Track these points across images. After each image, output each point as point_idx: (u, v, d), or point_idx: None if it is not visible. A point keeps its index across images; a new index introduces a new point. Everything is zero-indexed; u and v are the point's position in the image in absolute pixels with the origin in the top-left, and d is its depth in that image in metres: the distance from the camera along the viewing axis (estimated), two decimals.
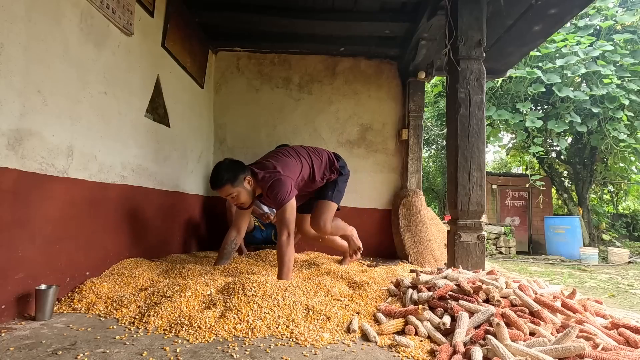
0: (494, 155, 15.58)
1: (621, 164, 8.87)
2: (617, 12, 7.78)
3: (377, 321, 1.60)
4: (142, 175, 2.50)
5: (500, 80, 7.93)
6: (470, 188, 2.39)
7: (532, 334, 1.34)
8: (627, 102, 7.25)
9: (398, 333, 1.48)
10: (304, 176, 2.41)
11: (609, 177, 9.95)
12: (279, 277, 2.03)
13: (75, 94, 1.85)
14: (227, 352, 1.28)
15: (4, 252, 1.47)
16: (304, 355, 1.27)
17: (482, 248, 2.36)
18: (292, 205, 2.16)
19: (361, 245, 2.94)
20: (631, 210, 11.91)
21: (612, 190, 11.31)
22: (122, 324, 1.51)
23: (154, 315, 1.53)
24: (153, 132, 2.66)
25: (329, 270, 2.43)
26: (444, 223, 4.18)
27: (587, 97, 7.42)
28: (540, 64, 7.61)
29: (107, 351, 1.26)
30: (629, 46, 7.79)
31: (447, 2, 2.53)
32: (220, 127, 4.01)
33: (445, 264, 2.77)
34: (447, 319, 1.45)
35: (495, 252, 8.82)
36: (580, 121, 7.65)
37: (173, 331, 1.43)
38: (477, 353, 1.18)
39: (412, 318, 1.52)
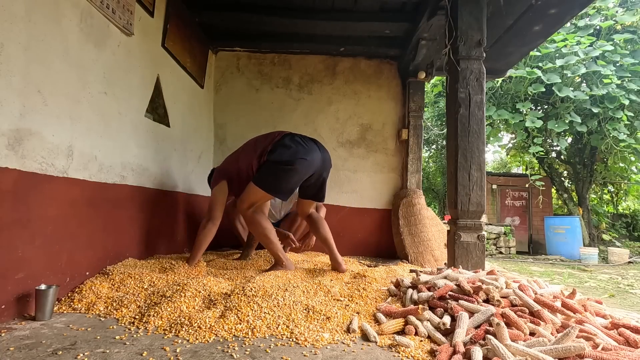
0: (494, 155, 15.59)
1: (621, 164, 8.87)
2: (617, 12, 7.78)
3: (377, 321, 1.60)
4: (142, 175, 2.50)
5: (500, 80, 7.93)
6: (470, 188, 2.39)
7: (532, 334, 1.34)
8: (627, 102, 7.25)
9: (398, 333, 1.48)
10: (242, 167, 2.38)
11: (609, 177, 9.95)
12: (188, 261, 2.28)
13: (75, 94, 1.85)
14: (227, 352, 1.28)
15: (4, 252, 1.47)
16: (304, 355, 1.27)
17: (482, 248, 2.36)
18: (214, 192, 2.44)
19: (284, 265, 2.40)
20: (631, 210, 11.90)
21: (612, 190, 11.31)
22: (122, 324, 1.51)
23: (154, 315, 1.53)
24: (153, 132, 2.66)
25: (328, 269, 2.43)
26: (444, 223, 4.18)
27: (587, 97, 7.41)
28: (540, 64, 7.60)
29: (107, 351, 1.26)
30: (629, 46, 7.79)
31: (447, 2, 2.53)
32: (220, 127, 4.01)
33: (445, 264, 2.77)
34: (447, 319, 1.45)
35: (495, 252, 8.82)
36: (580, 121, 7.65)
37: (173, 331, 1.43)
38: (477, 353, 1.18)
39: (412, 318, 1.52)
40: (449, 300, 1.59)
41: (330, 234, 2.54)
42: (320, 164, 2.36)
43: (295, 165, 2.21)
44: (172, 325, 1.47)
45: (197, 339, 1.37)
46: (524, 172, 11.00)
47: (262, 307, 1.56)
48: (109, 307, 1.67)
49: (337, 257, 2.44)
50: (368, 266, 2.92)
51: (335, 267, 2.42)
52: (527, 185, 8.94)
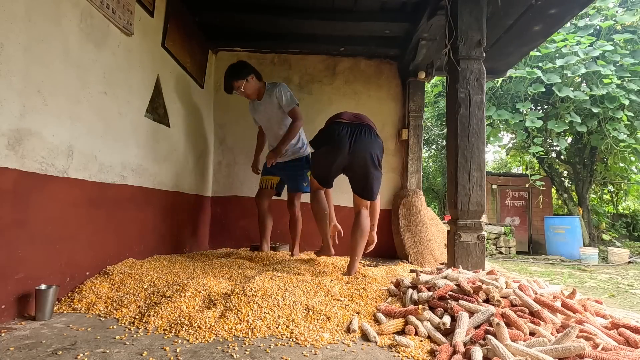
0: (494, 155, 15.58)
1: (621, 164, 8.87)
2: (617, 12, 7.78)
3: (377, 321, 1.60)
4: (142, 175, 2.50)
5: (500, 80, 7.93)
6: (470, 188, 2.39)
7: (532, 334, 1.34)
8: (627, 102, 7.25)
9: (398, 333, 1.48)
10: None
11: (609, 177, 9.95)
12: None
13: (75, 94, 1.85)
14: (227, 352, 1.28)
15: (4, 252, 1.47)
16: (304, 355, 1.27)
17: (482, 248, 2.36)
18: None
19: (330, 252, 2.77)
20: (631, 210, 11.90)
21: (612, 190, 11.31)
22: (122, 324, 1.51)
23: (154, 315, 1.53)
24: (153, 132, 2.66)
25: (328, 269, 2.43)
26: (444, 223, 4.18)
27: (587, 97, 7.41)
28: (540, 64, 7.60)
29: (107, 351, 1.26)
30: (629, 46, 7.78)
31: (447, 2, 2.53)
32: (220, 127, 4.01)
33: (445, 263, 2.77)
34: (447, 319, 1.45)
35: (495, 252, 8.82)
36: (580, 121, 7.64)
37: (173, 331, 1.43)
38: (477, 353, 1.18)
39: (412, 318, 1.52)
40: (449, 300, 1.59)
41: (361, 242, 2.44)
42: (346, 155, 2.37)
43: (315, 153, 2.53)
44: (172, 325, 1.47)
45: (197, 339, 1.37)
46: (524, 172, 10.99)
47: (262, 307, 1.56)
48: (109, 307, 1.67)
49: (354, 265, 2.41)
50: (368, 266, 2.92)
51: (346, 272, 2.40)
52: (527, 185, 8.94)
